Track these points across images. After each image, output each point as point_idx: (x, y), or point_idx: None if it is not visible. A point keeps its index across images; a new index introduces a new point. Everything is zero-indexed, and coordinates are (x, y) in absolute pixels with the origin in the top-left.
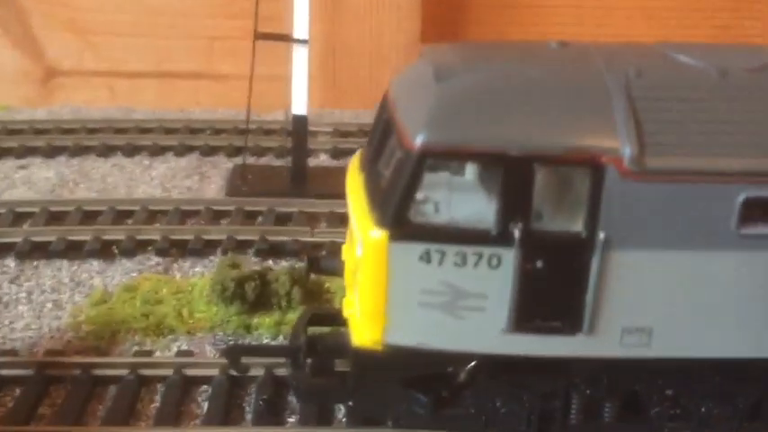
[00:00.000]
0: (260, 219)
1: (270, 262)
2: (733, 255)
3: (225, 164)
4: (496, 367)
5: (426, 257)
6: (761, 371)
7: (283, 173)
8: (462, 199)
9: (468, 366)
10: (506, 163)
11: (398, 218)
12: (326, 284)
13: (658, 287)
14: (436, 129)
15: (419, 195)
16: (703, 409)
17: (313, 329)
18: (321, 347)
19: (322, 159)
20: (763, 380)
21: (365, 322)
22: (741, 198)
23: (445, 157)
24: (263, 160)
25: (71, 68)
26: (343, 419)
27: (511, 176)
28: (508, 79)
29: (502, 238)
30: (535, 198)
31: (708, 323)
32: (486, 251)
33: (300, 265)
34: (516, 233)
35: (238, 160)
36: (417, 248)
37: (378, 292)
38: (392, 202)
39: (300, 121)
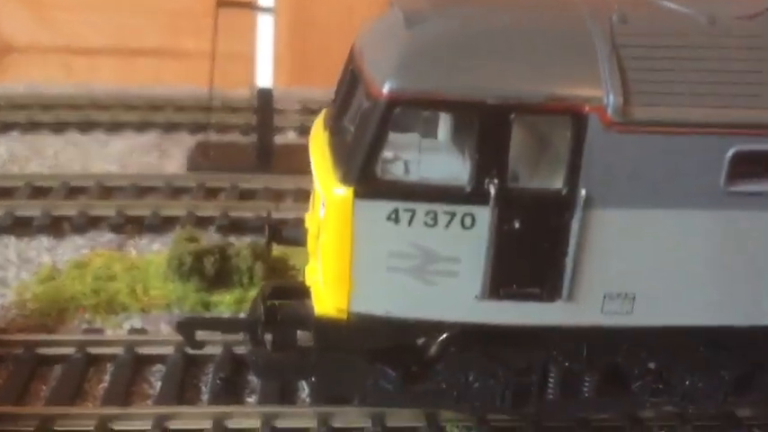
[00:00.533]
0: (222, 196)
1: (232, 239)
2: (721, 214)
3: (187, 141)
4: (469, 338)
5: (395, 217)
6: (748, 341)
7: (248, 150)
8: (434, 153)
9: (440, 338)
10: (482, 112)
11: (364, 173)
12: (292, 261)
13: (642, 249)
14: (405, 75)
15: (387, 149)
16: (687, 383)
17: (273, 301)
18: (281, 318)
19: (290, 137)
20: (749, 351)
21: (329, 289)
22: (731, 152)
23: (415, 105)
24: (228, 138)
25: (26, 45)
26: (307, 399)
27: (487, 127)
28: (484, 24)
29: (476, 196)
30: (512, 152)
31: (694, 288)
32: (460, 210)
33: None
34: (492, 190)
35: (202, 137)
36: (385, 207)
37: (342, 256)
38: (358, 157)
39: (265, 95)
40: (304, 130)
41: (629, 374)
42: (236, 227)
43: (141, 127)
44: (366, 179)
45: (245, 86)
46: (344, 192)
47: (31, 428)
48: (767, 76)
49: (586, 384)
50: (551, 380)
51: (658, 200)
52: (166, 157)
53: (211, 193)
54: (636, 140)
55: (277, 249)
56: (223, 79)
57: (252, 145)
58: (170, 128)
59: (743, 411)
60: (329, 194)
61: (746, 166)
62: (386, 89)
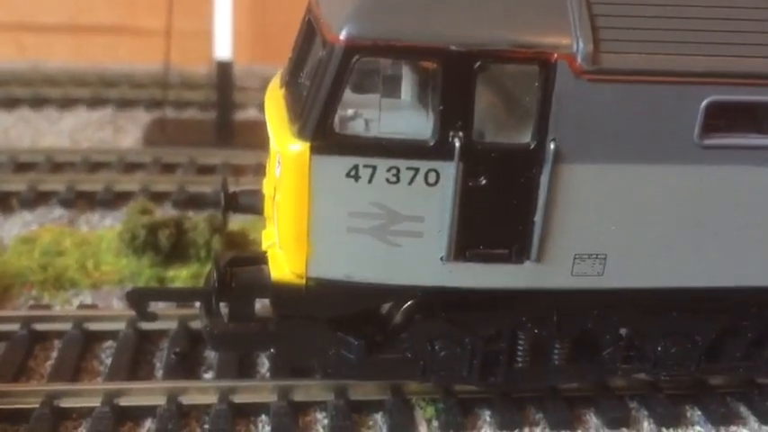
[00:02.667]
0: (179, 171)
1: (190, 215)
2: (695, 169)
3: (143, 118)
4: (435, 305)
5: (354, 174)
6: (722, 304)
7: (207, 125)
8: (396, 110)
9: (405, 306)
10: (445, 60)
11: (322, 127)
12: (251, 235)
13: (614, 207)
14: (364, 20)
15: (345, 101)
16: (659, 349)
17: (228, 268)
18: (236, 285)
19: (251, 114)
20: (723, 315)
21: (286, 253)
22: (705, 102)
23: (375, 52)
24: (187, 114)
25: None
26: (267, 373)
27: (450, 76)
28: None
29: (440, 151)
30: (478, 103)
31: (666, 248)
32: (423, 166)
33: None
34: (456, 144)
35: (158, 114)
36: (344, 163)
37: (299, 216)
38: (315, 109)
39: (225, 68)
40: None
41: (600, 341)
42: (194, 202)
43: (94, 103)
44: (324, 133)
45: (204, 63)
46: (301, 147)
47: None
48: (743, 24)
49: (556, 352)
50: (520, 347)
51: (630, 154)
52: (121, 133)
53: (168, 168)
54: (607, 90)
55: (236, 223)
56: (182, 56)
57: (211, 121)
58: (125, 104)
59: (715, 379)
60: (285, 150)
61: (722, 119)
62: (343, 35)
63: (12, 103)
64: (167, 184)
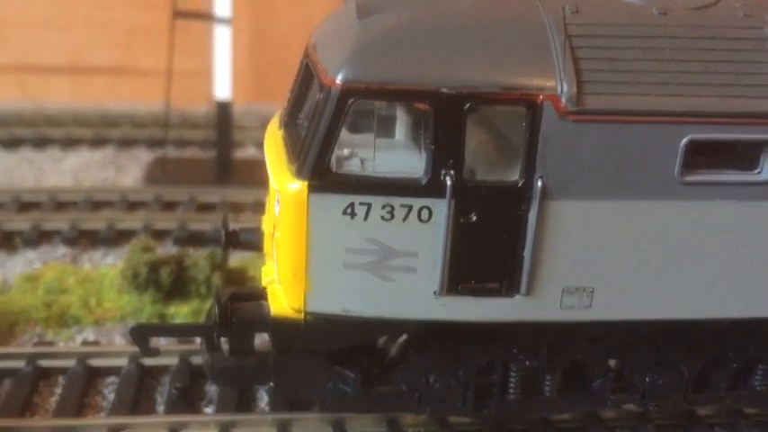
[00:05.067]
0: (180, 209)
1: (190, 252)
2: (676, 204)
3: (144, 157)
4: (429, 337)
5: (350, 211)
6: (706, 335)
7: (207, 164)
8: (390, 150)
9: (400, 340)
10: (436, 102)
11: (319, 167)
12: (250, 272)
13: (600, 241)
14: (360, 65)
15: (343, 146)
16: (647, 380)
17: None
18: (237, 320)
19: (250, 152)
20: (708, 346)
21: (285, 288)
22: (684, 140)
23: (369, 95)
24: (187, 153)
25: None
26: (266, 407)
27: (442, 118)
28: (439, 14)
29: (433, 189)
30: (468, 143)
31: (651, 281)
32: (416, 203)
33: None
34: (448, 182)
35: (159, 153)
36: (340, 201)
37: (298, 253)
38: (312, 150)
39: (224, 108)
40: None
41: (590, 372)
42: (195, 239)
43: (96, 143)
44: (321, 173)
45: (203, 102)
46: (299, 186)
47: None
48: (718, 65)
49: (547, 383)
50: (512, 379)
51: (614, 191)
52: (122, 172)
53: (169, 206)
54: (590, 129)
55: (235, 260)
56: (181, 95)
57: (211, 159)
58: (126, 144)
59: (703, 410)
60: (284, 189)
61: (701, 156)
62: (339, 79)
63: (15, 143)
64: (168, 222)
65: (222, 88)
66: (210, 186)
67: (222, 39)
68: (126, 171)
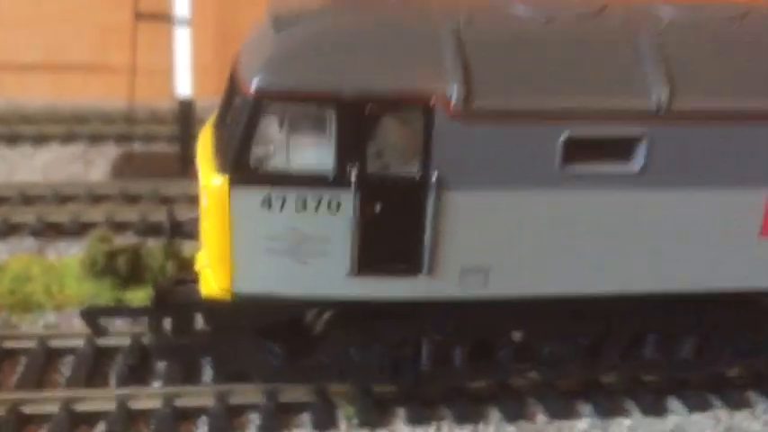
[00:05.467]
0: (142, 201)
1: (150, 242)
2: (558, 193)
3: (113, 152)
4: (347, 315)
5: (268, 203)
6: (595, 309)
7: (171, 158)
8: (300, 143)
9: (322, 317)
10: (340, 105)
11: (238, 163)
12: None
13: (491, 227)
14: (271, 73)
15: (258, 140)
16: (547, 351)
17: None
18: (172, 301)
19: None
20: (599, 318)
21: (213, 272)
22: (563, 137)
23: (281, 99)
24: (154, 148)
25: None
26: (209, 380)
27: (345, 119)
28: (344, 26)
29: (340, 182)
30: (370, 141)
31: (539, 261)
32: (326, 195)
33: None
34: (353, 176)
35: (126, 147)
36: (258, 194)
37: (222, 240)
38: (232, 148)
39: (186, 105)
40: None
41: (495, 344)
42: (155, 230)
43: (67, 139)
44: (240, 168)
45: (169, 99)
46: (221, 180)
47: None
48: (596, 67)
49: (457, 355)
50: (424, 352)
51: (503, 182)
52: (91, 167)
53: (132, 199)
54: (479, 128)
55: (188, 250)
56: (148, 92)
57: (176, 153)
58: (96, 139)
59: (607, 378)
60: (208, 183)
61: (579, 150)
62: (253, 87)
63: None
64: (130, 214)
65: (183, 86)
66: (174, 180)
67: (182, 39)
68: (95, 166)
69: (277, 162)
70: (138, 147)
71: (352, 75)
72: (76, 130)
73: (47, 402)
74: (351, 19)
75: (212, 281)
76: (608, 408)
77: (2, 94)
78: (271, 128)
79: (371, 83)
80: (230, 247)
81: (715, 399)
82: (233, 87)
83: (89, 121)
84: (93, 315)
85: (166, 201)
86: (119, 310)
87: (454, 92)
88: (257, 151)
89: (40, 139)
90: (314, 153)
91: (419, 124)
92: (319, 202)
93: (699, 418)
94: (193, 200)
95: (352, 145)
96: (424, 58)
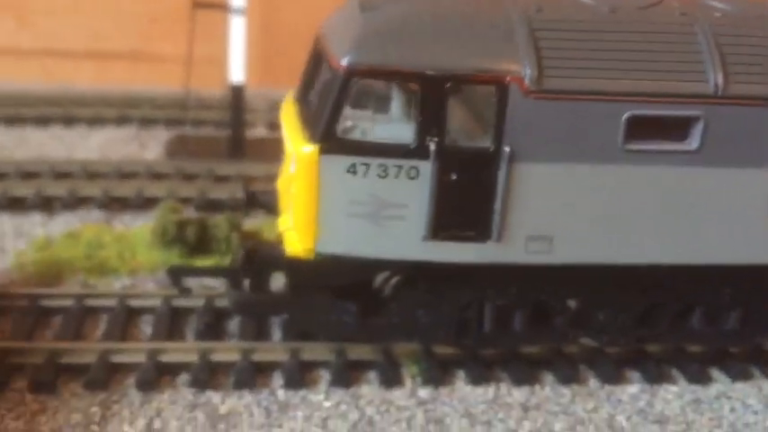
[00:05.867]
0: (199, 180)
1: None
2: (619, 168)
3: (164, 135)
4: (417, 277)
5: (353, 170)
6: (650, 279)
7: (222, 141)
8: (386, 123)
9: (393, 280)
10: (423, 81)
11: (327, 133)
12: (264, 234)
13: (557, 198)
14: (361, 51)
15: (346, 112)
16: (601, 318)
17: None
18: (258, 259)
19: (260, 132)
20: (652, 289)
21: (298, 233)
22: (626, 116)
23: (369, 75)
24: (203, 132)
25: (6, 47)
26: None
27: (427, 94)
28: (426, 10)
29: (419, 152)
30: (449, 115)
31: (599, 231)
32: (406, 164)
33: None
34: (432, 147)
35: (177, 131)
36: (345, 161)
37: (310, 203)
38: (322, 119)
39: (238, 90)
40: (273, 126)
41: (553, 310)
42: (213, 206)
43: (120, 122)
44: (329, 138)
45: (217, 87)
46: (311, 149)
47: (40, 361)
48: (657, 54)
49: (517, 319)
50: (487, 314)
51: (569, 155)
52: (145, 148)
53: (189, 177)
54: (548, 106)
55: (250, 223)
56: (198, 81)
57: (225, 138)
58: (147, 123)
59: (652, 347)
60: (299, 152)
61: (641, 128)
62: (344, 62)
63: (44, 122)
64: (189, 191)
65: (236, 73)
66: (225, 161)
67: (237, 27)
68: (148, 147)
69: (363, 133)
70: (187, 131)
71: (435, 55)
72: (128, 114)
73: (132, 353)
74: (432, 3)
75: (297, 241)
76: (655, 374)
77: (52, 79)
78: (358, 101)
79: (452, 62)
80: (316, 209)
81: (756, 369)
82: (317, 64)
83: (140, 106)
84: (178, 273)
85: (222, 180)
86: (204, 269)
87: (527, 72)
88: (345, 124)
89: (94, 121)
90: (397, 125)
91: (494, 101)
92: (400, 171)
93: (741, 386)
94: (249, 180)
95: (432, 119)
96: (500, 42)
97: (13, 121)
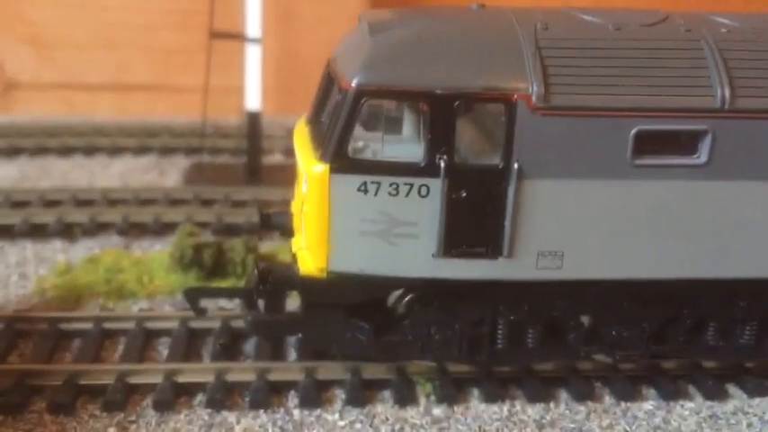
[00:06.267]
0: (216, 205)
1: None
2: (628, 183)
3: (183, 163)
4: (430, 295)
5: (364, 188)
6: (663, 294)
7: (239, 168)
8: (396, 142)
9: (406, 298)
10: (432, 101)
11: (338, 153)
12: (279, 256)
13: (566, 214)
14: (370, 71)
15: (356, 132)
16: (614, 333)
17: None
18: (272, 279)
19: (276, 159)
20: (665, 304)
21: (311, 252)
22: (634, 131)
23: (378, 95)
24: (220, 160)
25: (29, 82)
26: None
27: (436, 113)
28: (434, 32)
29: (429, 170)
30: (458, 133)
31: (609, 246)
32: (416, 181)
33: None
34: (442, 164)
35: (196, 159)
36: (356, 180)
37: (322, 222)
38: (332, 139)
39: (254, 117)
40: (289, 152)
41: (566, 327)
42: (230, 230)
43: (140, 151)
44: (340, 157)
45: (234, 115)
46: (322, 168)
47: (59, 383)
48: (663, 69)
49: (530, 335)
50: (500, 331)
51: (577, 171)
52: (164, 176)
53: (206, 203)
54: (556, 122)
55: (266, 246)
56: (213, 110)
57: (242, 164)
58: (166, 152)
59: (667, 364)
60: (310, 171)
61: (648, 143)
62: (354, 83)
63: (67, 152)
64: (207, 216)
65: (253, 100)
66: (242, 187)
67: (253, 56)
68: (167, 175)
69: (373, 152)
70: (205, 158)
71: (443, 74)
72: (148, 143)
73: (150, 374)
74: (440, 25)
75: (310, 261)
76: (671, 391)
77: (73, 111)
78: (368, 121)
79: (460, 81)
80: (328, 228)
81: None
82: (328, 86)
83: (159, 135)
84: (194, 294)
85: (238, 205)
86: (219, 291)
87: (534, 89)
88: (356, 145)
89: (115, 151)
90: (407, 144)
91: (502, 119)
92: (410, 189)
93: (759, 401)
94: (265, 204)
95: (441, 137)
96: (507, 60)
97: (36, 151)
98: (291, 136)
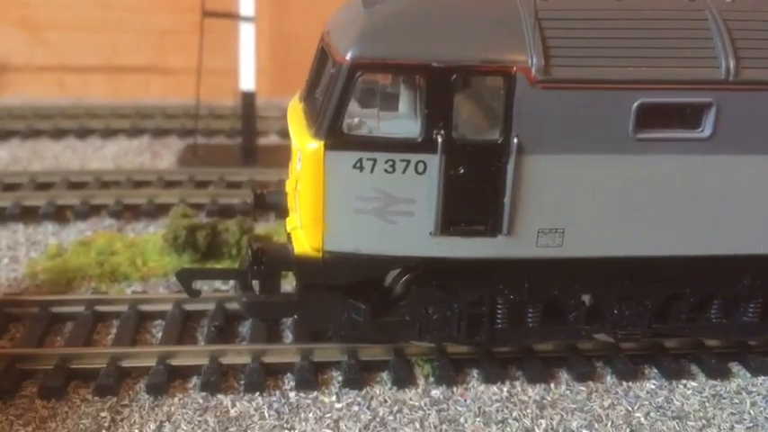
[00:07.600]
0: (211, 186)
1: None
2: (630, 158)
3: (177, 144)
4: (427, 274)
5: (359, 165)
6: (665, 272)
7: (234, 149)
8: (392, 118)
9: (404, 278)
10: (429, 74)
11: (333, 129)
12: (274, 237)
13: (567, 190)
14: (365, 44)
15: (351, 107)
16: (615, 312)
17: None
18: (266, 260)
19: (272, 139)
20: (668, 281)
21: (306, 231)
22: (636, 104)
23: (373, 68)
24: (215, 141)
25: (21, 64)
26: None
27: (433, 87)
28: (430, 3)
29: (427, 146)
30: (455, 107)
31: (611, 222)
32: (413, 158)
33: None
34: (439, 140)
35: (190, 141)
36: (351, 157)
37: (317, 200)
38: (327, 115)
39: (249, 98)
40: (285, 133)
41: (566, 306)
42: (225, 212)
43: (133, 133)
44: (334, 134)
45: (228, 97)
46: (317, 145)
47: (50, 367)
48: (666, 41)
49: (530, 315)
50: (499, 311)
51: (578, 146)
52: (158, 158)
53: (201, 185)
54: (556, 95)
55: (261, 228)
56: (207, 91)
57: (237, 146)
58: (160, 133)
59: (669, 342)
60: (304, 148)
61: (651, 117)
62: (348, 56)
63: (59, 134)
64: (201, 197)
65: (247, 80)
66: (237, 168)
67: (247, 35)
68: (160, 157)
69: (369, 127)
70: (199, 140)
71: (440, 46)
72: (141, 125)
73: (143, 357)
74: None
75: (305, 240)
76: (673, 370)
77: (66, 93)
78: (363, 96)
79: (458, 54)
80: (323, 207)
81: None
82: (322, 61)
83: (152, 117)
84: (187, 276)
85: (233, 186)
86: (213, 272)
87: (534, 62)
88: (351, 121)
89: (108, 133)
90: (403, 119)
91: (501, 92)
92: (407, 165)
93: (762, 380)
94: (261, 185)
95: (438, 111)
96: (506, 32)
97: (28, 134)
98: (286, 116)
